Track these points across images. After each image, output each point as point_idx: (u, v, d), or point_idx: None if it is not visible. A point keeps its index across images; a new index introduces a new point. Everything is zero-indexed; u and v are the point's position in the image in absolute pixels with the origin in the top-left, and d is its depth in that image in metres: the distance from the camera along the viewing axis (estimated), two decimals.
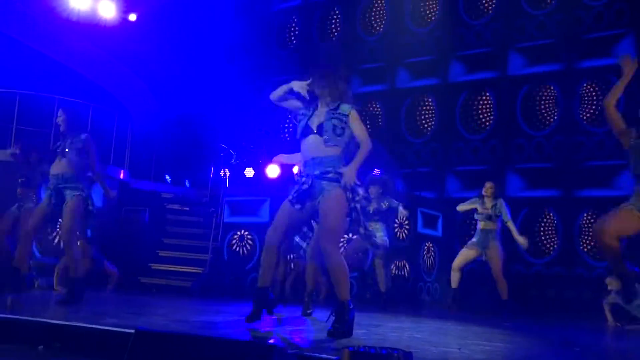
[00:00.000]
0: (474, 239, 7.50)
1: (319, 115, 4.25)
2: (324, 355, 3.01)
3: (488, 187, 7.52)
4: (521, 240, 7.34)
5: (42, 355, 3.75)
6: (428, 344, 4.32)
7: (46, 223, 5.83)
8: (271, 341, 3.56)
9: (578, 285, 10.04)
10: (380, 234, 7.53)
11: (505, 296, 7.25)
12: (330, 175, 4.14)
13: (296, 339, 4.16)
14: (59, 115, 5.68)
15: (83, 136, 5.55)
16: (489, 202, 7.47)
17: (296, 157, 5.08)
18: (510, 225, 7.46)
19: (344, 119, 4.20)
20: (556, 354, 4.32)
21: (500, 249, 7.36)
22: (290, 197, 4.24)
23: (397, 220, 7.87)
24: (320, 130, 4.20)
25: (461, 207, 7.72)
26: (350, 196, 4.11)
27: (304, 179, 4.23)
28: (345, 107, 4.25)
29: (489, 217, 7.38)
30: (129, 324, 4.11)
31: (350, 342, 3.84)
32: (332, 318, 4.13)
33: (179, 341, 2.63)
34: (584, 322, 7.77)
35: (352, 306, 4.13)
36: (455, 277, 7.55)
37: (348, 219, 4.15)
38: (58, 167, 5.55)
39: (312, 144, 4.21)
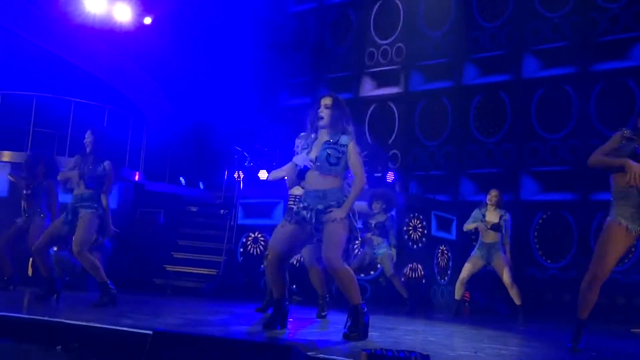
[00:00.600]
0: (476, 252, 7.38)
1: (317, 147, 4.31)
2: (341, 358, 3.02)
3: (493, 195, 7.38)
4: (509, 261, 7.28)
5: (60, 355, 3.78)
6: (443, 347, 4.31)
7: (57, 239, 5.89)
8: (288, 343, 3.56)
9: None
10: (382, 249, 7.53)
11: (519, 301, 7.17)
12: (334, 210, 4.17)
13: (312, 341, 4.16)
14: (86, 136, 5.73)
15: (105, 164, 5.66)
16: (493, 212, 7.36)
17: (283, 170, 4.98)
18: (507, 243, 7.35)
19: (342, 149, 4.23)
20: (572, 358, 4.29)
21: (505, 258, 7.25)
22: (288, 218, 4.32)
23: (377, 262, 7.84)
24: (316, 162, 4.26)
25: (467, 227, 7.55)
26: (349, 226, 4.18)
27: (304, 208, 4.25)
28: (344, 139, 4.28)
29: (495, 228, 7.26)
30: (145, 325, 4.15)
31: (366, 344, 3.84)
32: (349, 322, 4.15)
33: (197, 342, 2.65)
34: (600, 327, 7.72)
35: (365, 309, 4.17)
36: (459, 290, 7.50)
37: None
38: (79, 189, 5.67)
39: (312, 177, 4.28)
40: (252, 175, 10.81)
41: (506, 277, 7.18)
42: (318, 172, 4.24)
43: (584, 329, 4.41)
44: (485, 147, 11.42)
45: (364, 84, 12.70)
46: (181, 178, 12.24)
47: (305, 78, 13.32)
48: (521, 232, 10.66)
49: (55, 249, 7.84)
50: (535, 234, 10.66)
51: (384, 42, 12.64)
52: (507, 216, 7.37)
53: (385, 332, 4.96)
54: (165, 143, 11.95)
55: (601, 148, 4.33)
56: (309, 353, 2.89)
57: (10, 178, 8.19)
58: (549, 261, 10.54)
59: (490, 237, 7.29)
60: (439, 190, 11.25)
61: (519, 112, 11.17)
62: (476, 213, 7.47)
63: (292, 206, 4.49)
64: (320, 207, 4.21)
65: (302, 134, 4.55)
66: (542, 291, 10.15)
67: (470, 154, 11.53)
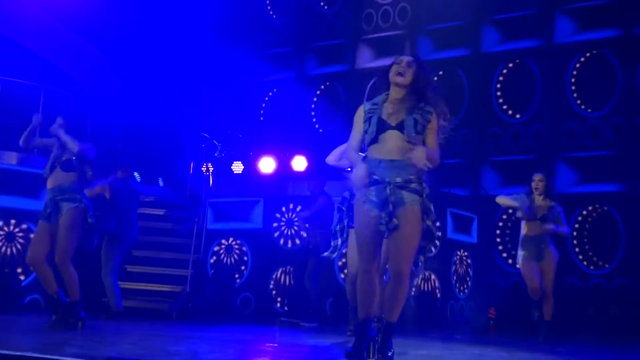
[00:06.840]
0: (523, 252, 7.32)
1: (398, 110, 4.29)
2: None
3: (538, 181, 7.34)
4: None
5: None
6: None
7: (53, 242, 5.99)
8: None
9: None
10: None
11: (549, 317, 7.22)
12: (413, 185, 4.21)
13: None
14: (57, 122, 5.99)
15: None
16: (540, 201, 7.31)
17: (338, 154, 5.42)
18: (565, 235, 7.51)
19: (428, 117, 4.28)
20: None
21: (556, 257, 7.28)
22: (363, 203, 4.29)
23: None
24: (400, 126, 4.26)
25: (502, 201, 7.56)
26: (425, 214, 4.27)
27: (374, 188, 4.23)
28: (429, 107, 4.32)
29: (542, 218, 7.20)
30: (95, 355, 4.12)
31: None
32: (378, 341, 4.31)
33: None
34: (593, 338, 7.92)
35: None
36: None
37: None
38: (55, 180, 5.95)
39: (392, 141, 4.25)
40: (224, 168, 10.71)
41: (550, 284, 7.21)
42: (401, 137, 4.23)
43: None
44: (510, 128, 11.35)
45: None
46: (135, 173, 12.11)
47: (287, 48, 13.16)
48: None
49: None
50: (575, 234, 10.58)
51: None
52: (558, 208, 7.34)
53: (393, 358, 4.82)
54: (115, 129, 11.81)
55: None
56: None
57: None
58: (591, 268, 10.49)
59: (537, 228, 7.22)
60: (455, 182, 11.16)
61: (549, 84, 11.11)
62: (521, 197, 7.38)
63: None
64: (397, 180, 4.19)
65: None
66: (584, 303, 10.10)
67: (492, 138, 11.45)
